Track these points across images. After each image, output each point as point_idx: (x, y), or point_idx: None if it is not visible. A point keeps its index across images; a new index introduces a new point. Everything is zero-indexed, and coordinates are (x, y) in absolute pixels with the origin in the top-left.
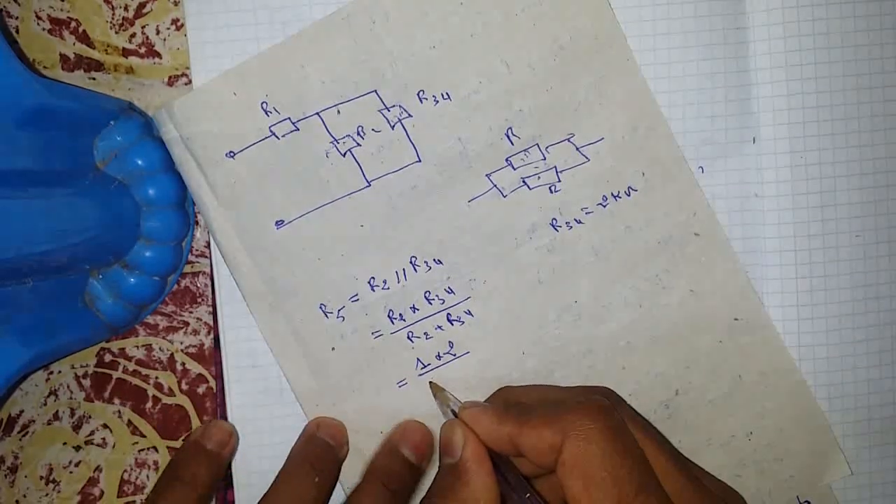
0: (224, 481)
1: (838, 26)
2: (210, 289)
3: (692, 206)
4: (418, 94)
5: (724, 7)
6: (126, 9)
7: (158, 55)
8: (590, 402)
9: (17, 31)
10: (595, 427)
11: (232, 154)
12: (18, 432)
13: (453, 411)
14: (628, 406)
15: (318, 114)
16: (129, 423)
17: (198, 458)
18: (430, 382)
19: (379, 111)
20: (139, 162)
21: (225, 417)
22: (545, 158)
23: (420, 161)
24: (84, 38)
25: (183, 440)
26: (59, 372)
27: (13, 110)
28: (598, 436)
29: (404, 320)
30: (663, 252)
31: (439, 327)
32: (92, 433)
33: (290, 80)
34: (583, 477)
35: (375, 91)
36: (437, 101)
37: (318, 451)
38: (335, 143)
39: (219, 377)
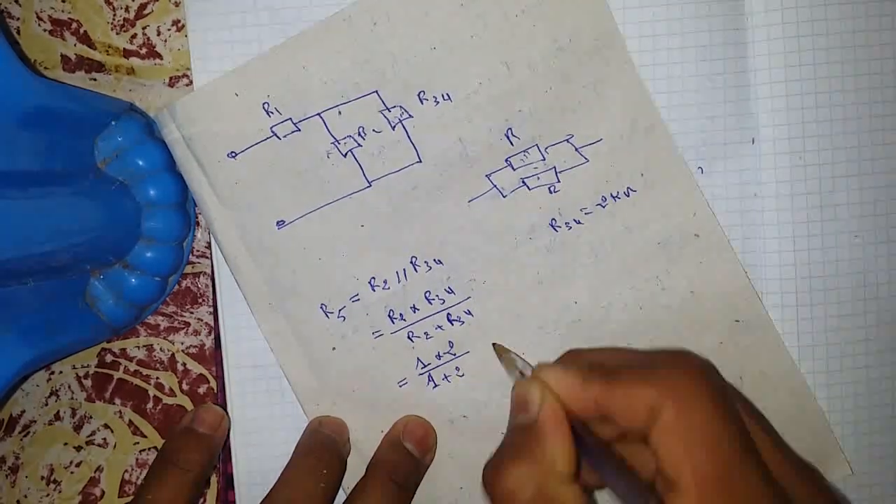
0: (224, 481)
1: (838, 27)
2: (211, 289)
3: (691, 206)
4: (419, 95)
5: (723, 8)
6: (127, 10)
7: (159, 56)
8: (688, 360)
9: (19, 32)
10: (698, 387)
11: (233, 154)
12: (20, 432)
13: (521, 372)
14: (718, 372)
15: (319, 114)
16: (130, 423)
17: (190, 443)
18: (494, 344)
19: (380, 112)
20: (140, 162)
21: None
22: (545, 159)
23: (420, 161)
24: (85, 39)
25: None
26: (61, 372)
27: (14, 111)
28: (703, 398)
29: (405, 320)
30: (663, 253)
31: (439, 327)
32: (93, 433)
33: (292, 81)
34: (685, 440)
35: (376, 91)
36: (438, 102)
37: (324, 446)
38: (336, 143)
39: (219, 377)
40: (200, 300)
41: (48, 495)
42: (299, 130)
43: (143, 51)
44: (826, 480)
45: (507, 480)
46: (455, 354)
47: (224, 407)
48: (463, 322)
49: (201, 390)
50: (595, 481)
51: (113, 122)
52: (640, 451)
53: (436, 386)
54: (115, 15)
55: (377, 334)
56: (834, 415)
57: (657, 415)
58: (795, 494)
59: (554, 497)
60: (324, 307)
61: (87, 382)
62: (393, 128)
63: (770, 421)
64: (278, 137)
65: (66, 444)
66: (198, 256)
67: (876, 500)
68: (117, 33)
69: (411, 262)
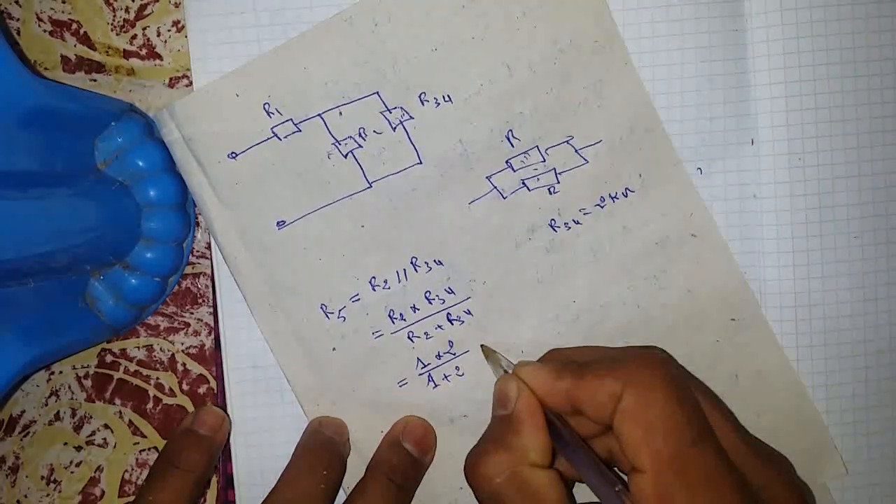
0: (224, 480)
1: (837, 28)
2: (211, 289)
3: (689, 207)
4: (420, 96)
5: (722, 9)
6: (127, 10)
7: (159, 57)
8: (649, 354)
9: (19, 33)
10: (656, 376)
11: (234, 155)
12: (20, 432)
13: (505, 371)
14: (680, 365)
15: (320, 115)
16: (130, 423)
17: (191, 444)
18: (482, 345)
19: (380, 113)
20: (140, 163)
21: None
22: (545, 160)
23: (421, 163)
24: (85, 40)
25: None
26: (61, 372)
27: (14, 111)
28: (659, 384)
29: (405, 320)
30: (661, 252)
31: (439, 327)
32: (93, 433)
33: (293, 82)
34: (642, 424)
35: (377, 93)
36: (439, 103)
37: (324, 446)
38: (337, 144)
39: (219, 377)
40: (200, 300)
41: (48, 495)
42: (300, 131)
43: (143, 51)
44: (794, 471)
45: (483, 467)
46: (455, 354)
47: (224, 407)
48: (463, 322)
49: (201, 390)
50: (573, 475)
51: (113, 123)
52: (615, 444)
53: (436, 386)
54: (115, 16)
55: (377, 334)
56: (833, 415)
57: (617, 402)
58: (758, 481)
59: (527, 481)
60: (324, 307)
61: (87, 382)
62: (394, 129)
63: (765, 419)
64: (279, 138)
65: (66, 444)
66: (198, 257)
67: (874, 501)
68: (117, 34)
69: (411, 263)
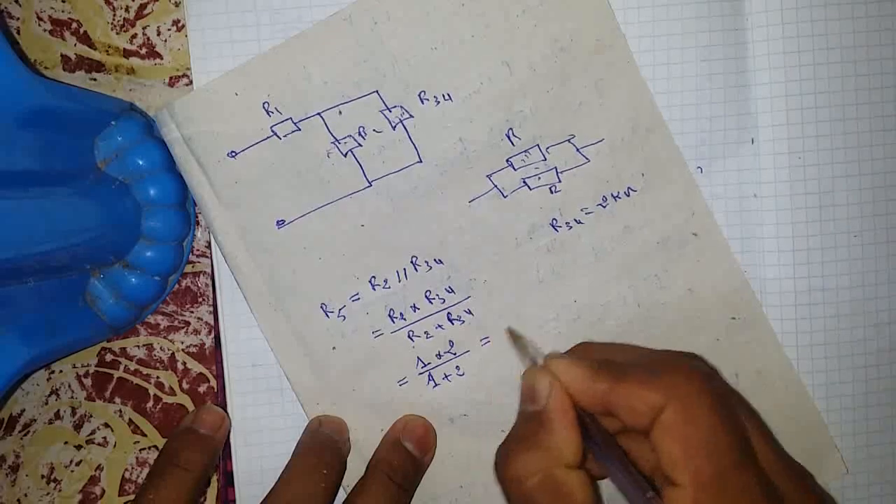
0: (225, 479)
1: (837, 27)
2: (211, 288)
3: (690, 206)
4: (419, 95)
5: (723, 8)
6: (127, 10)
7: (159, 56)
8: (693, 366)
9: (19, 32)
10: (702, 391)
11: (233, 154)
12: (20, 431)
13: (532, 359)
14: (723, 379)
15: (319, 114)
16: (131, 422)
17: (191, 443)
18: (509, 329)
19: (380, 111)
20: (140, 162)
21: None
22: (546, 159)
23: (421, 161)
24: (85, 39)
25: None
26: (61, 371)
27: (14, 111)
28: (703, 401)
29: (405, 319)
30: (662, 252)
31: (440, 326)
32: (93, 432)
33: (292, 81)
34: (683, 440)
35: (377, 91)
36: (439, 102)
37: (324, 445)
38: (336, 143)
39: (219, 376)
40: (200, 299)
41: (48, 494)
42: (299, 130)
43: (143, 51)
44: (818, 485)
45: (515, 467)
46: (455, 353)
47: (224, 406)
48: (463, 321)
49: (201, 389)
50: (598, 471)
51: (113, 122)
52: (642, 444)
53: (436, 385)
54: (115, 15)
55: (377, 334)
56: (832, 414)
57: (658, 415)
58: (787, 495)
59: (561, 483)
60: (324, 307)
61: (88, 381)
62: (393, 128)
63: (765, 418)
64: (278, 137)
65: (66, 442)
66: (198, 256)
67: (874, 500)
68: (117, 33)
69: (411, 262)
